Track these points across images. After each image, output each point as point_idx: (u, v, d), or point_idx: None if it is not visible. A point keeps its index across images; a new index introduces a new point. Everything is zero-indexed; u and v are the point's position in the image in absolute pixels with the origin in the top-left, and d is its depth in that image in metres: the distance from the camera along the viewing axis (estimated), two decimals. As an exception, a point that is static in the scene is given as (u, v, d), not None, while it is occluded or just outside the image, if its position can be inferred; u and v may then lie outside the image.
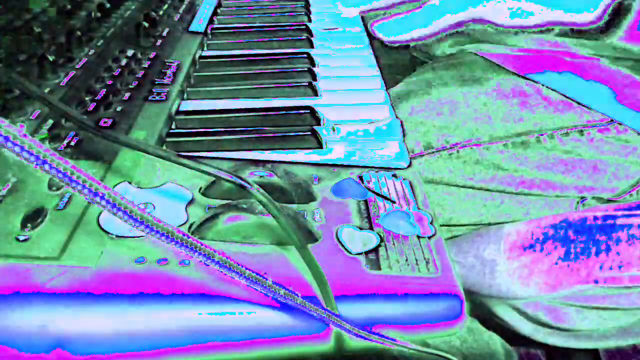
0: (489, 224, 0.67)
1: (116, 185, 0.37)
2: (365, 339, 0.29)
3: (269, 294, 0.27)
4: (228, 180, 0.29)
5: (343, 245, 0.33)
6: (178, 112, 0.50)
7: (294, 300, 0.27)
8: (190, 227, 0.34)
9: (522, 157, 0.63)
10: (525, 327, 0.68)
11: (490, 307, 0.69)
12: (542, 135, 0.63)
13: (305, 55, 0.61)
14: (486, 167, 0.63)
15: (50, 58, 0.49)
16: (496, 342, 0.62)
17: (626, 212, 0.63)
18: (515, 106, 0.64)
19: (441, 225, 0.36)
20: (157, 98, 0.49)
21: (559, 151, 0.63)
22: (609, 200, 0.65)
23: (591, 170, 0.63)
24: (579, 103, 0.63)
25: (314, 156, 0.44)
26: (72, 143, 0.41)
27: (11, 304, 0.29)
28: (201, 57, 0.61)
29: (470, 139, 0.63)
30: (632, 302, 0.63)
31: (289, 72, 0.58)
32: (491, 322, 0.68)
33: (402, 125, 0.48)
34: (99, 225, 0.33)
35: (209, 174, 0.29)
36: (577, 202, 0.65)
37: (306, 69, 0.58)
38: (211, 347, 0.30)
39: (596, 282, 0.61)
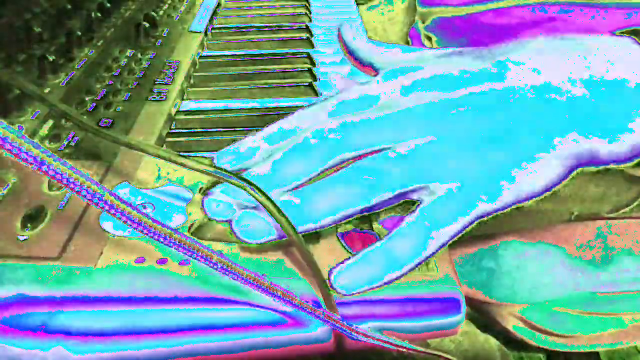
0: (485, 235, 0.66)
1: (116, 185, 0.37)
2: (365, 339, 0.29)
3: (268, 295, 0.26)
4: (228, 181, 0.29)
5: (343, 245, 0.33)
6: (178, 112, 0.50)
7: (293, 301, 0.27)
8: (190, 228, 0.34)
9: None
10: (524, 333, 0.68)
11: (489, 312, 0.69)
12: None
13: (305, 55, 0.61)
14: None
15: (50, 58, 0.49)
16: (492, 344, 0.62)
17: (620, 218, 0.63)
18: None
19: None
20: (157, 98, 0.49)
21: None
22: (596, 215, 0.64)
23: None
24: None
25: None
26: (72, 143, 0.41)
27: (11, 303, 0.29)
28: (201, 57, 0.61)
29: None
30: (632, 307, 0.63)
31: (289, 72, 0.58)
32: (490, 327, 0.68)
33: None
34: (99, 225, 0.33)
35: (209, 174, 0.29)
36: (569, 218, 0.65)
37: (306, 69, 0.58)
38: (211, 347, 0.30)
39: (595, 289, 0.61)
